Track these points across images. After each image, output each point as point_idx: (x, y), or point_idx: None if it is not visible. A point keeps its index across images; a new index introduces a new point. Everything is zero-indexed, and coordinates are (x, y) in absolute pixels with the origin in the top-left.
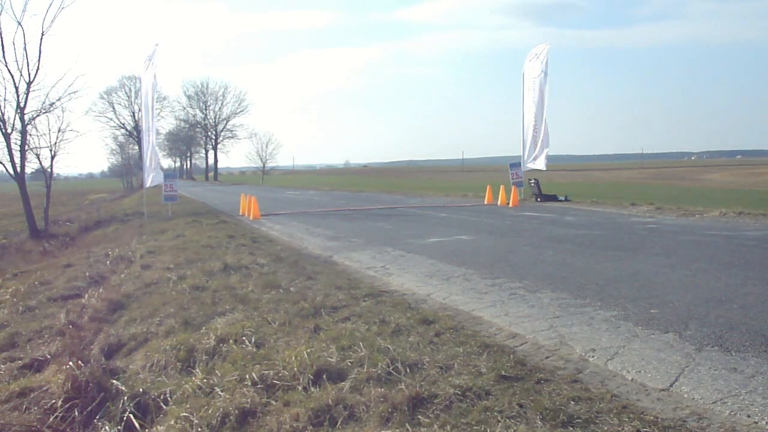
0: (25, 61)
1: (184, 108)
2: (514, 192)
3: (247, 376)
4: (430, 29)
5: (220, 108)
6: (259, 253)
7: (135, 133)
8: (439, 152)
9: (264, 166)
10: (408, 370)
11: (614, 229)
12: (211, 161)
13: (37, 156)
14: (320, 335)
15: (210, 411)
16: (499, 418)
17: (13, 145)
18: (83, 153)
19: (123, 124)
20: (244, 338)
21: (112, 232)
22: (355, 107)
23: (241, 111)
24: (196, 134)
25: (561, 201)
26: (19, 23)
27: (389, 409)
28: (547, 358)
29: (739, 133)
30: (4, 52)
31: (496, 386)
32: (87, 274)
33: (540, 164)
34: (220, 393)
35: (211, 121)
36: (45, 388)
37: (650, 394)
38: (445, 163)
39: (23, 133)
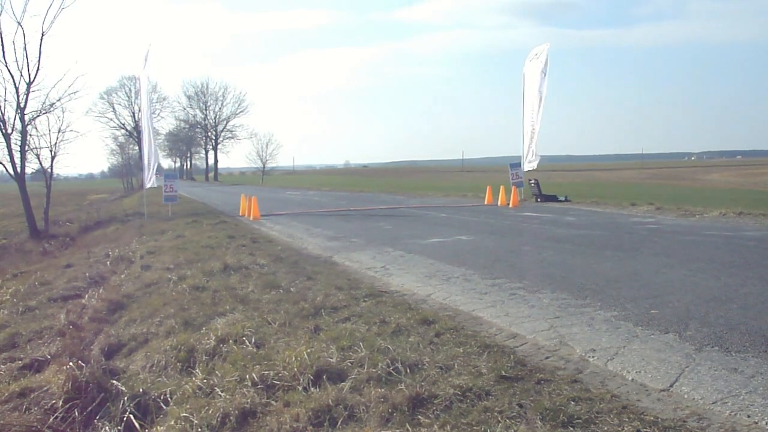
0: (25, 61)
1: (184, 108)
2: (514, 192)
3: (247, 377)
4: (430, 29)
5: (220, 108)
6: (259, 253)
7: (135, 133)
8: (439, 152)
9: (264, 167)
10: (408, 370)
11: (614, 229)
12: (211, 161)
13: (37, 156)
14: (320, 335)
15: (210, 411)
16: (499, 419)
17: (13, 146)
18: (83, 153)
19: (123, 125)
20: (244, 338)
21: (112, 233)
22: (355, 107)
23: (241, 111)
24: (196, 134)
25: (561, 201)
26: (19, 23)
27: (389, 410)
28: (547, 358)
29: (739, 133)
30: (4, 52)
31: (496, 386)
32: (87, 274)
33: (533, 164)
34: (220, 393)
35: (211, 121)
36: (45, 388)
37: (650, 395)
38: (445, 164)
39: (23, 133)
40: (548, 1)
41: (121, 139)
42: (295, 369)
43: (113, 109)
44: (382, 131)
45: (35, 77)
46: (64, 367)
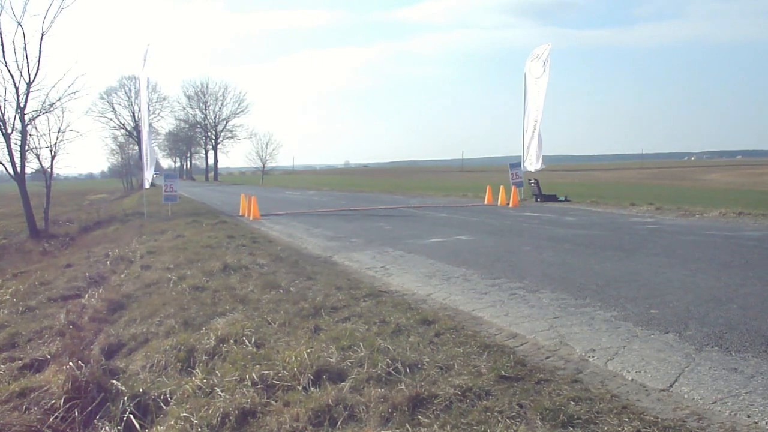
0: (25, 61)
1: (184, 108)
2: (514, 192)
3: (247, 377)
4: (430, 29)
5: (220, 108)
6: (259, 253)
7: (135, 133)
8: (439, 152)
9: (264, 167)
10: (408, 370)
11: (614, 229)
12: (211, 161)
13: (37, 156)
14: (320, 335)
15: (210, 411)
16: (499, 418)
17: (13, 146)
18: (83, 153)
19: (123, 124)
20: (244, 338)
21: (112, 233)
22: (355, 107)
23: (241, 111)
24: (196, 134)
25: (561, 201)
26: (19, 23)
27: (389, 409)
28: (547, 358)
29: (739, 133)
30: (4, 52)
31: (496, 386)
32: (87, 274)
33: (538, 165)
34: (220, 393)
35: (211, 121)
36: (45, 388)
37: (650, 395)
38: (445, 164)
39: (23, 133)
40: (548, 0)
41: (121, 139)
42: (295, 369)
43: (113, 109)
44: (382, 131)
45: (35, 77)
46: (64, 367)
